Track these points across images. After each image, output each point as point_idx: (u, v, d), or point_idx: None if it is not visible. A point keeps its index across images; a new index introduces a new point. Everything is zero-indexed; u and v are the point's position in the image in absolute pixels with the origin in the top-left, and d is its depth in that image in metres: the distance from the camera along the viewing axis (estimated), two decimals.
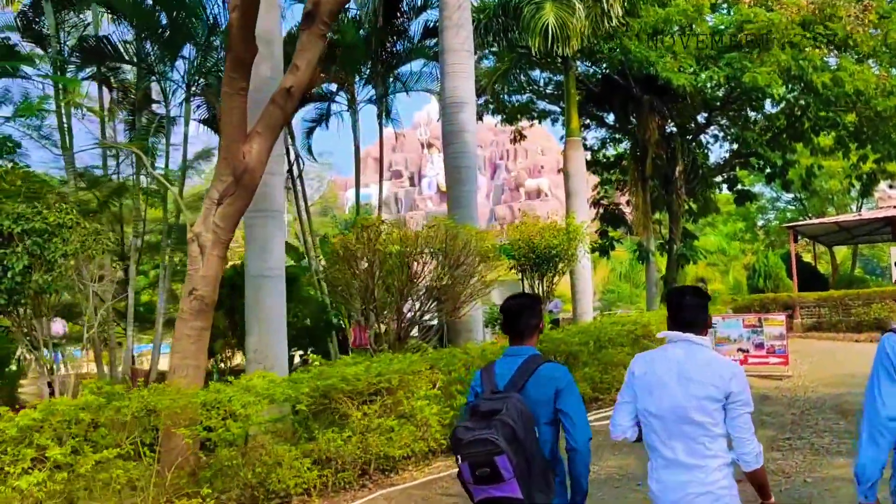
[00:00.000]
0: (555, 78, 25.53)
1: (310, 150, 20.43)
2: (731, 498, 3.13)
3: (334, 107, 20.48)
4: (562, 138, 26.33)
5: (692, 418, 3.10)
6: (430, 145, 79.00)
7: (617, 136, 26.06)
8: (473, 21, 17.47)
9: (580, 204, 19.45)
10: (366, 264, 12.39)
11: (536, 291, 17.82)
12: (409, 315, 12.85)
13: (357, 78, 19.23)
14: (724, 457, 3.13)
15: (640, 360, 3.37)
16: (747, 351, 15.76)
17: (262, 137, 9.17)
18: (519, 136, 26.86)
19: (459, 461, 3.02)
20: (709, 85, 18.99)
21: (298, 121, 20.70)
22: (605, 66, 20.63)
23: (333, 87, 19.94)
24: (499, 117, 25.47)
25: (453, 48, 15.15)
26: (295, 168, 17.88)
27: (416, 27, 18.37)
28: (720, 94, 22.79)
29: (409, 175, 78.84)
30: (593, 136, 26.37)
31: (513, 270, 17.74)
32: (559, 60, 20.29)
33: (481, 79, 22.44)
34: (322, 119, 19.78)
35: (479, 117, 24.05)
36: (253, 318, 10.85)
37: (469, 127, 15.22)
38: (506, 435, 2.96)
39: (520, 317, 3.44)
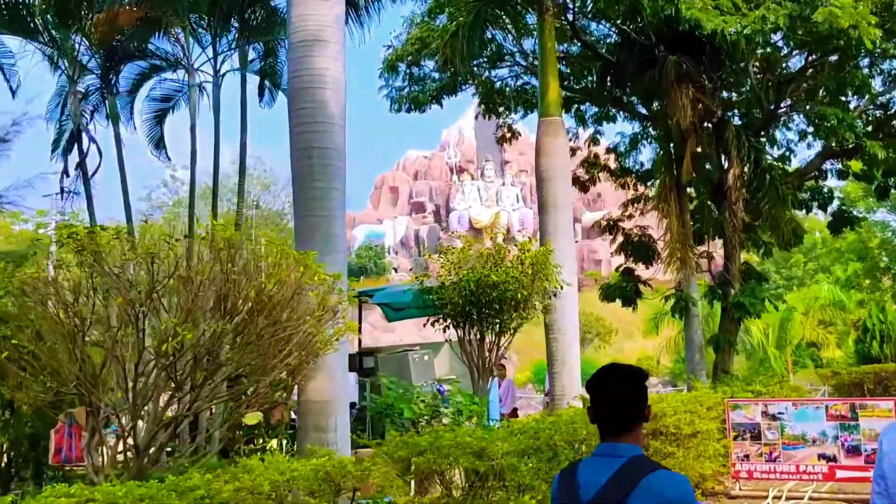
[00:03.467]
0: (560, 47, 21.21)
1: (158, 145, 16.41)
2: None
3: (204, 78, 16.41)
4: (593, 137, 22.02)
5: None
6: (460, 170, 75.46)
7: (651, 130, 21.59)
8: None
9: (560, 222, 15.19)
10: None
11: (475, 360, 13.34)
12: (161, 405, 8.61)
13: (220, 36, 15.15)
14: None
15: (892, 428, 3.36)
16: (834, 459, 12.52)
17: None
18: (510, 134, 22.56)
19: None
20: (763, 30, 14.35)
21: (141, 100, 16.70)
22: (607, 11, 16.31)
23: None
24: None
25: None
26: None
27: None
28: (790, 59, 18.29)
29: (433, 208, 75.22)
30: (618, 130, 21.98)
31: (435, 325, 13.48)
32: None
33: (433, 40, 18.29)
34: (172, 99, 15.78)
35: (436, 99, 19.86)
36: None
37: (329, 79, 11.04)
38: None
39: (617, 399, 3.17)
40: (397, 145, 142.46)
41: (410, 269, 68.92)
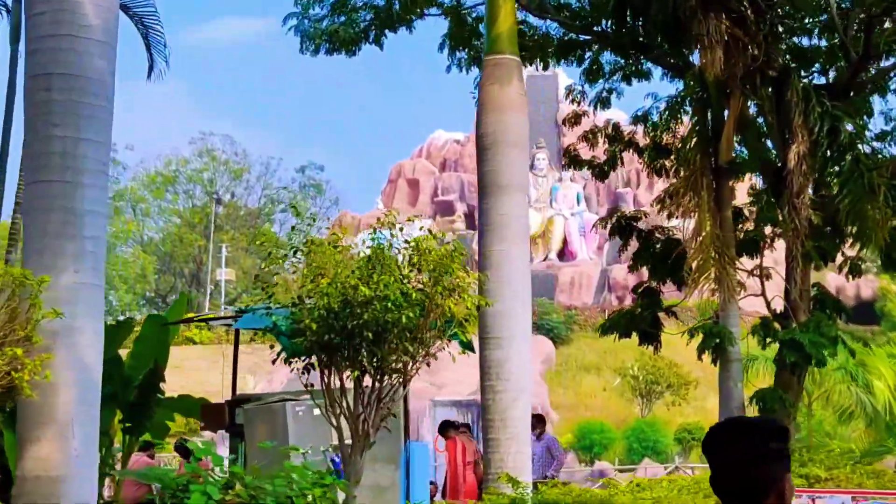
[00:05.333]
0: None
1: None
2: None
3: None
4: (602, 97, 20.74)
5: None
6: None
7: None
8: None
9: (508, 211, 13.40)
10: None
11: (350, 419, 11.56)
12: None
13: None
14: None
15: None
16: None
17: None
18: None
19: None
20: None
21: None
22: None
23: None
24: None
25: None
26: None
27: None
28: None
29: (465, 209, 73.52)
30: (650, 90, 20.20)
31: (292, 365, 11.79)
32: None
33: None
34: None
35: (371, 37, 18.08)
36: None
37: None
38: None
39: (741, 467, 3.23)
40: (420, 123, 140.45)
41: None
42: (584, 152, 21.04)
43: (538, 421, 18.42)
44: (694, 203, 16.52)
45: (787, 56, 18.16)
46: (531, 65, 20.90)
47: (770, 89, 17.16)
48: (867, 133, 19.00)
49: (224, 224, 62.24)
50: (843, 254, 18.09)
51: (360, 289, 10.73)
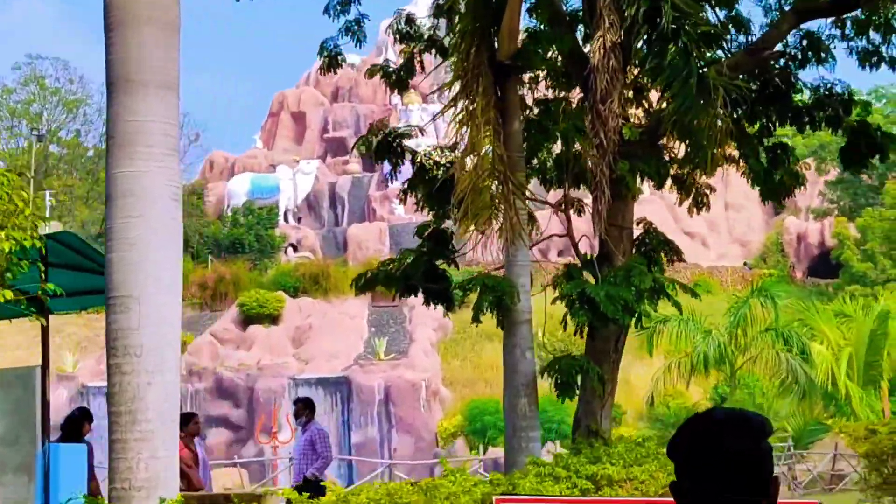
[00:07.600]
0: None
1: None
2: None
3: None
4: None
5: None
6: (403, 86, 71.40)
7: None
8: None
9: (146, 118, 11.41)
10: None
11: None
12: None
13: None
14: None
15: None
16: None
17: None
18: None
19: None
20: None
21: None
22: None
23: None
24: None
25: None
26: None
27: None
28: None
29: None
30: None
31: None
32: None
33: None
34: None
35: None
36: None
37: None
38: None
39: (725, 469, 3.28)
40: (308, 47, 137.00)
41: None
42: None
43: (305, 406, 17.53)
44: (466, 112, 14.64)
45: None
46: None
47: None
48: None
49: (61, 168, 59.51)
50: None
51: None
